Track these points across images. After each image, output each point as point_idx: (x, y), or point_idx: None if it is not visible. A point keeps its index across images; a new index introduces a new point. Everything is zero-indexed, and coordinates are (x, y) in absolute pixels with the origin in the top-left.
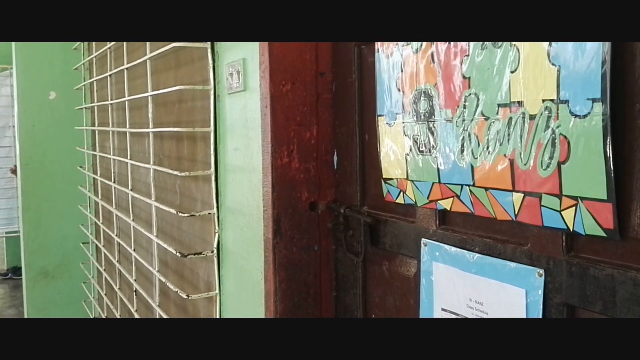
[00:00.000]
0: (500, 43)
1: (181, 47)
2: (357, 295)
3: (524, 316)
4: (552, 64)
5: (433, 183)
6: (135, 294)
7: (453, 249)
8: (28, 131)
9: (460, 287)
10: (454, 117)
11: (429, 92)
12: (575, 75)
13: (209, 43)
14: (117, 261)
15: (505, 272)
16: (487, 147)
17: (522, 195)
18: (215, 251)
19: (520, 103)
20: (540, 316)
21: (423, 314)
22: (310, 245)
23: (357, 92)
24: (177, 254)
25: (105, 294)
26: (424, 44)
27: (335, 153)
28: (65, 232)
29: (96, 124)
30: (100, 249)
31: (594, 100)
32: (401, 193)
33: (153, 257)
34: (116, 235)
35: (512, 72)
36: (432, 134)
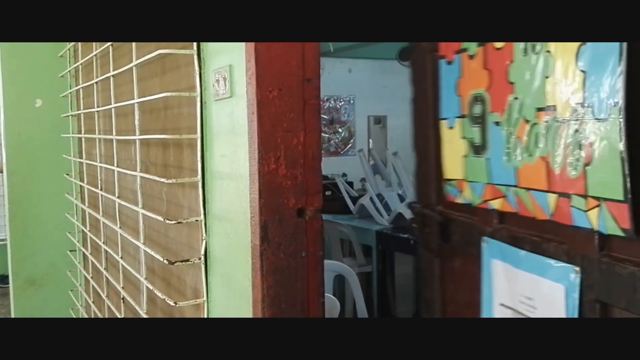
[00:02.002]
0: (537, 49)
1: (167, 54)
2: (435, 290)
3: (564, 311)
4: (580, 70)
5: (485, 184)
6: (123, 302)
7: (508, 246)
8: (14, 139)
9: (514, 283)
10: (501, 121)
11: (482, 96)
12: (597, 80)
13: (195, 50)
14: (105, 269)
15: (548, 269)
16: (528, 150)
17: (556, 196)
18: (202, 258)
19: (554, 107)
20: (577, 312)
21: (484, 309)
22: (298, 252)
23: (432, 97)
24: (165, 261)
25: (93, 302)
26: (478, 50)
27: (416, 155)
28: (52, 240)
29: (82, 132)
30: (87, 257)
31: (612, 105)
32: (460, 193)
33: (140, 264)
34: (103, 242)
35: (546, 77)
36: (484, 136)
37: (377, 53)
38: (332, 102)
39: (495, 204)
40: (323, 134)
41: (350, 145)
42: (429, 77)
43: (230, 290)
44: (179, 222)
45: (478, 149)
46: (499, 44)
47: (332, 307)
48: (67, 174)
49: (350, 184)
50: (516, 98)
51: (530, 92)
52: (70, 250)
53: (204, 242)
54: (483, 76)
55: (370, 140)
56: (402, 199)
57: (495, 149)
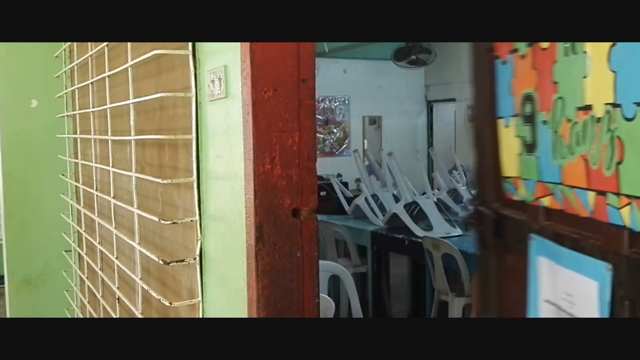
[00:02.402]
0: (576, 49)
1: (162, 55)
2: (491, 287)
3: (597, 308)
4: (611, 70)
5: (536, 181)
6: (118, 302)
7: (552, 243)
8: (10, 139)
9: (557, 280)
10: (548, 120)
11: (531, 96)
12: (625, 80)
13: (190, 50)
14: (100, 269)
15: (584, 266)
16: (570, 148)
17: (595, 193)
18: (197, 258)
19: (590, 107)
20: (608, 309)
21: (531, 305)
22: (293, 252)
23: (488, 96)
24: (160, 261)
25: (88, 302)
26: (527, 50)
27: (475, 153)
28: (47, 240)
29: (78, 132)
30: (82, 257)
31: (637, 104)
32: (516, 190)
33: (135, 264)
34: (99, 243)
35: (584, 77)
36: (534, 135)
37: (372, 53)
38: (327, 102)
39: (545, 202)
40: (318, 135)
41: (345, 145)
42: (486, 76)
43: (226, 290)
44: (174, 223)
45: (529, 147)
46: (544, 44)
47: (327, 307)
48: (63, 175)
49: (345, 184)
50: (560, 97)
51: (571, 91)
52: (65, 251)
53: (199, 242)
54: (532, 76)
55: (365, 141)
56: (397, 199)
57: (544, 148)
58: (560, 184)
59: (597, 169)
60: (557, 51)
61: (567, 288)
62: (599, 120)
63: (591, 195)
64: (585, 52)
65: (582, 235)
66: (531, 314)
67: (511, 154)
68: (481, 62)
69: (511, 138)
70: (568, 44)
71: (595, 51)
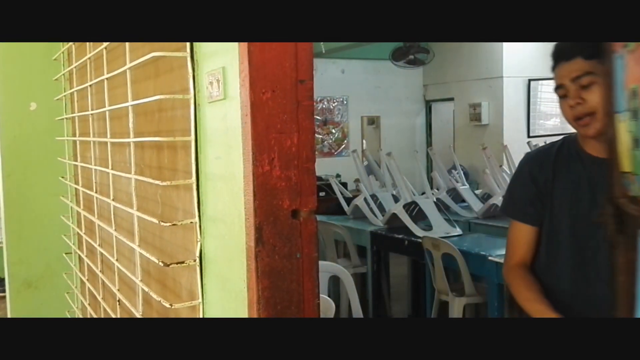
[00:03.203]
0: None
1: (160, 57)
2: (616, 283)
3: None
4: None
5: None
6: (119, 304)
7: None
8: (9, 142)
9: None
10: None
11: (637, 91)
12: None
13: (189, 52)
14: (100, 271)
15: None
16: None
17: None
18: (197, 260)
19: None
20: None
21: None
22: (293, 253)
23: (609, 92)
24: (160, 263)
25: (89, 304)
26: (635, 46)
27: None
28: (48, 242)
29: (77, 135)
30: (83, 259)
31: None
32: (631, 185)
33: (136, 266)
34: (99, 245)
35: None
36: (638, 130)
37: (370, 54)
38: (326, 102)
39: None
40: (317, 135)
41: (343, 146)
42: (608, 72)
43: (226, 292)
44: (173, 225)
45: (637, 142)
46: None
47: (327, 308)
48: (62, 177)
49: (344, 184)
50: None
51: None
52: (65, 253)
53: (199, 244)
54: (637, 71)
55: (364, 141)
56: (396, 199)
57: None
58: None
59: None
60: None
61: None
62: None
63: None
64: None
65: None
66: (639, 310)
67: (625, 149)
68: (607, 59)
69: (624, 133)
70: None
71: None
